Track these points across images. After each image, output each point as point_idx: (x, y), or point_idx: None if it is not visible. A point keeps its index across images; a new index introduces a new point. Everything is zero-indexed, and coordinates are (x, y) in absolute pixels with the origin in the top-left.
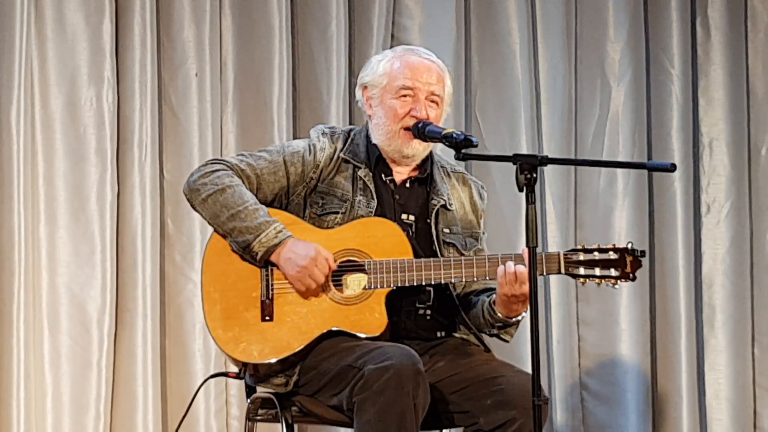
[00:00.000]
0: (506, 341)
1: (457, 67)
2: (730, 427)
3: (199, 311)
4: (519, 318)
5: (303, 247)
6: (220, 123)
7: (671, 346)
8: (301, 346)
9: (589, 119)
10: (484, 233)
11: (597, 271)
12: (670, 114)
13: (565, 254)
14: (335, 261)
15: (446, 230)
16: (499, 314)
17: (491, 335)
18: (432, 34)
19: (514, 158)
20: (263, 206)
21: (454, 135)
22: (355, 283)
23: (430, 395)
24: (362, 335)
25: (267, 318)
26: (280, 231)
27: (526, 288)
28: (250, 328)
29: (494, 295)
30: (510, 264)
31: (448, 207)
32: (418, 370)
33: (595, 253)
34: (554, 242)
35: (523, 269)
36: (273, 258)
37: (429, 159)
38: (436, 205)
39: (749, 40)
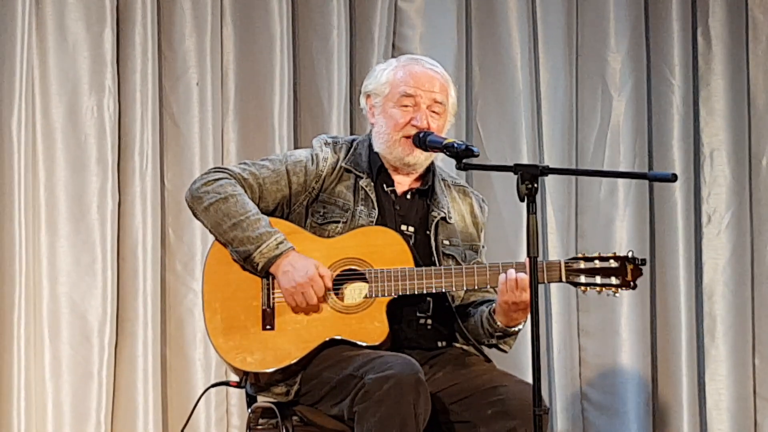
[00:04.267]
0: (505, 352)
1: (458, 76)
2: None
3: (200, 320)
4: (518, 327)
5: (302, 263)
6: (221, 132)
7: (672, 356)
8: (302, 355)
9: (590, 129)
10: (483, 246)
11: (598, 280)
12: (670, 124)
13: (566, 262)
14: (335, 272)
15: (446, 242)
16: (498, 323)
17: (490, 346)
18: (433, 44)
19: (515, 168)
20: (265, 216)
21: (455, 145)
22: (356, 292)
23: (431, 405)
24: (363, 344)
25: (268, 327)
26: (281, 242)
27: (526, 296)
28: (251, 337)
29: (494, 305)
30: (511, 271)
31: (448, 220)
32: (419, 380)
33: (596, 262)
34: (555, 252)
35: (524, 276)
36: (272, 269)
37: (431, 171)
38: (435, 218)
39: (750, 50)
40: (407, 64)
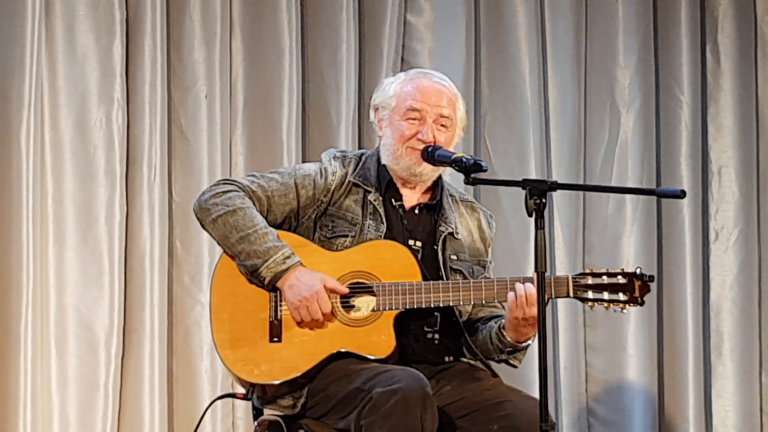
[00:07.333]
0: (515, 367)
1: (467, 91)
2: None
3: (207, 332)
4: (528, 342)
5: (308, 277)
6: (229, 144)
7: (678, 372)
8: (309, 368)
9: (598, 145)
10: (491, 262)
11: (605, 295)
12: (679, 140)
13: (573, 278)
14: (344, 285)
15: (453, 257)
16: (508, 338)
17: (500, 361)
18: (442, 59)
19: (524, 183)
20: (273, 230)
21: (464, 159)
22: (363, 305)
23: (438, 419)
24: (370, 357)
25: (275, 339)
26: (288, 257)
27: (535, 310)
28: (259, 349)
29: (503, 320)
30: (520, 287)
31: (456, 235)
32: (426, 394)
33: (604, 278)
34: (562, 267)
35: (532, 291)
36: (279, 284)
37: (439, 185)
38: (443, 232)
39: (759, 67)
40: (415, 77)
